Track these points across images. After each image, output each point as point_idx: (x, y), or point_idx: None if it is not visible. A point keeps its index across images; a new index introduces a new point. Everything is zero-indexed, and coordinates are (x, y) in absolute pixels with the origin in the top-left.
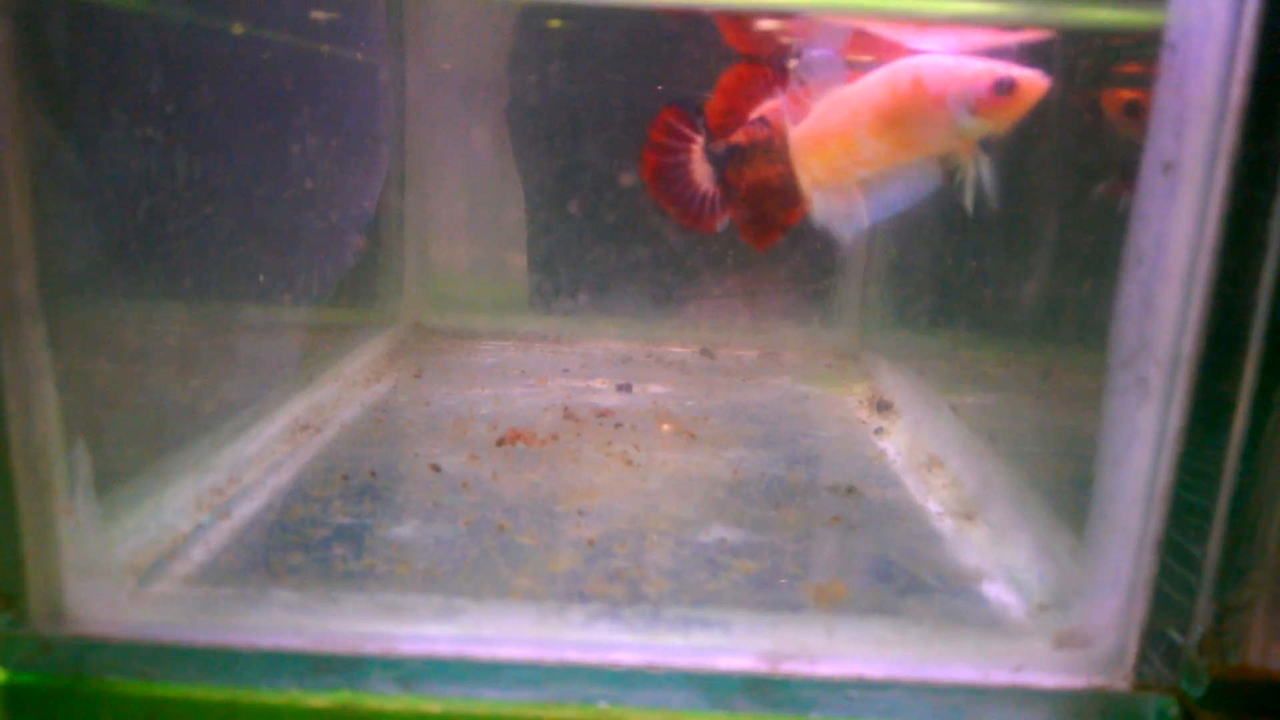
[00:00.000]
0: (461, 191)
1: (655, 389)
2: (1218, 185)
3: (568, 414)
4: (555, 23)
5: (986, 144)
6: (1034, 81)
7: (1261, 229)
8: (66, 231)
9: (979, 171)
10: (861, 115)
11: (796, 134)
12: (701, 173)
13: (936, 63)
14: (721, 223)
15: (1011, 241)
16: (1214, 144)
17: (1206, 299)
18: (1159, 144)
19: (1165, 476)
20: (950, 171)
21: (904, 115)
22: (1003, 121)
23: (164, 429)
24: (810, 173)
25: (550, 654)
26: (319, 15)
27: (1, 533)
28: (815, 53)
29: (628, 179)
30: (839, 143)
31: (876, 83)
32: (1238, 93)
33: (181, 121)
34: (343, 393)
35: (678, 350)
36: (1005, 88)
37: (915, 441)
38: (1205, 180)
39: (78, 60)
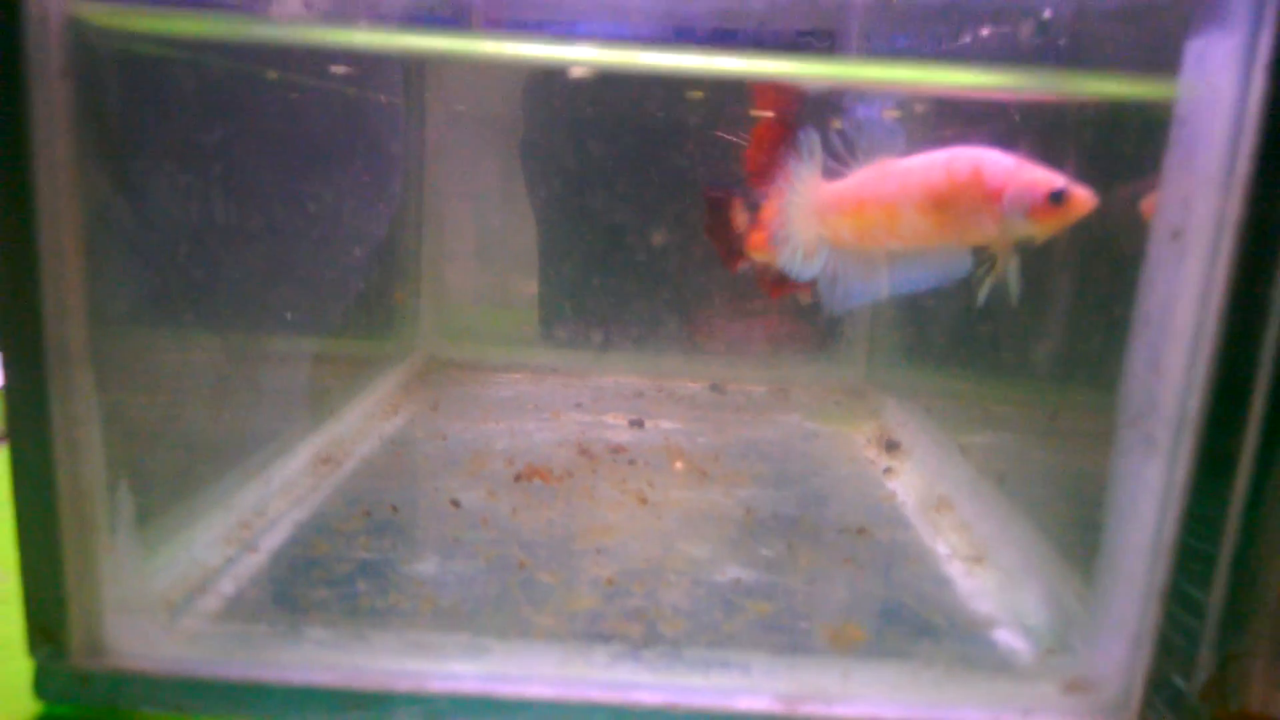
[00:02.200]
0: (476, 227)
1: (667, 425)
2: (1224, 252)
3: (582, 450)
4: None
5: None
6: (1084, 199)
7: (1265, 294)
8: (114, 280)
9: (1006, 271)
10: (911, 191)
11: (831, 191)
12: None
13: (997, 159)
14: (743, 265)
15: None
16: (1221, 213)
17: (1212, 361)
18: (1168, 212)
19: (1171, 529)
20: (980, 263)
21: (954, 201)
22: (1046, 230)
23: (195, 465)
24: (836, 233)
25: (574, 693)
26: (347, 63)
27: (45, 571)
28: (868, 114)
29: (638, 216)
30: (880, 211)
31: (934, 163)
32: (1244, 165)
33: (217, 167)
34: (362, 425)
35: (688, 385)
36: (1059, 199)
37: (924, 482)
38: (1212, 247)
39: (127, 115)
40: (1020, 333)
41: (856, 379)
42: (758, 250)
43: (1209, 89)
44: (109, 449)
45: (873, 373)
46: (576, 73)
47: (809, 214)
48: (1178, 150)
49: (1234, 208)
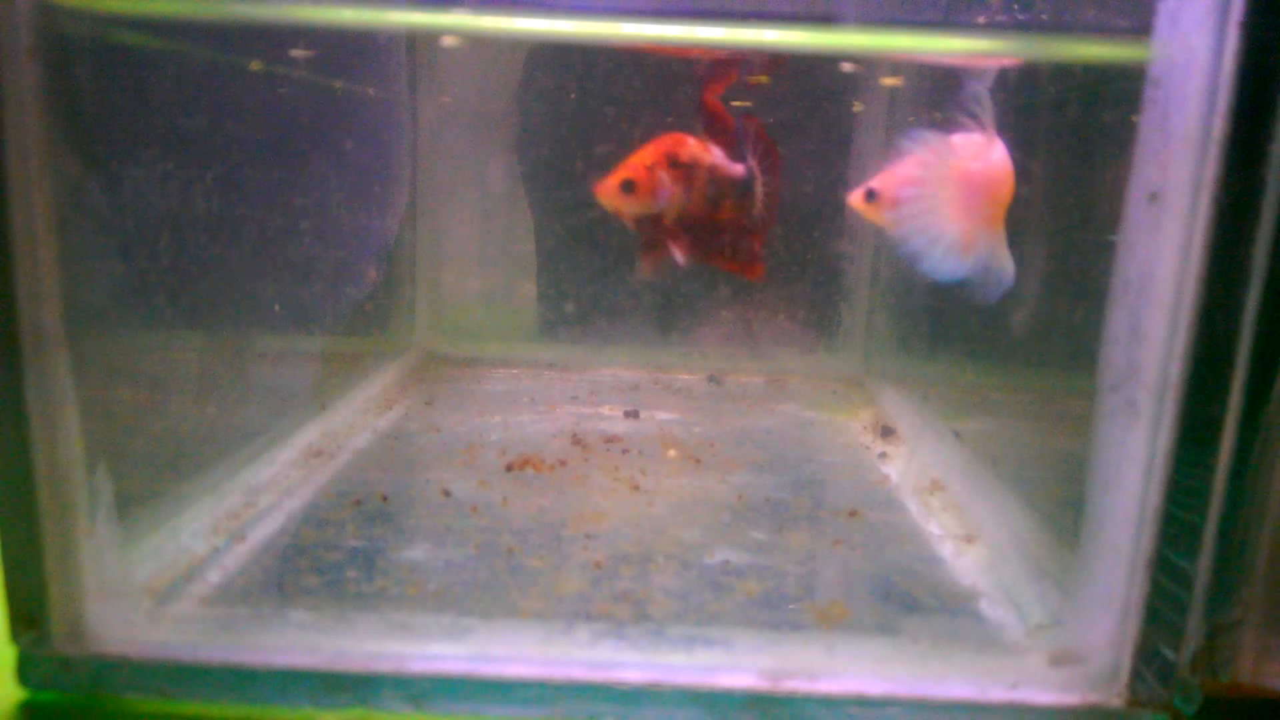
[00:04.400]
0: (472, 222)
1: (662, 415)
2: (1202, 214)
3: (576, 440)
4: (563, 57)
5: None
6: None
7: (1245, 256)
8: (90, 264)
9: None
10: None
11: (979, 169)
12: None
13: None
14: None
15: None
16: (1198, 175)
17: (1193, 325)
18: (1144, 175)
19: (1155, 497)
20: None
21: None
22: None
23: (181, 454)
24: (984, 219)
25: (557, 672)
26: (334, 53)
27: (25, 555)
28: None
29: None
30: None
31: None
32: (1220, 125)
33: (200, 156)
34: (355, 419)
35: (685, 377)
36: None
37: (918, 466)
38: (1190, 210)
39: (102, 99)
40: (1012, 317)
41: (855, 369)
42: (606, 196)
43: (1183, 49)
44: (87, 433)
45: (871, 363)
46: (573, 67)
47: (959, 204)
48: (1153, 112)
49: (1211, 169)
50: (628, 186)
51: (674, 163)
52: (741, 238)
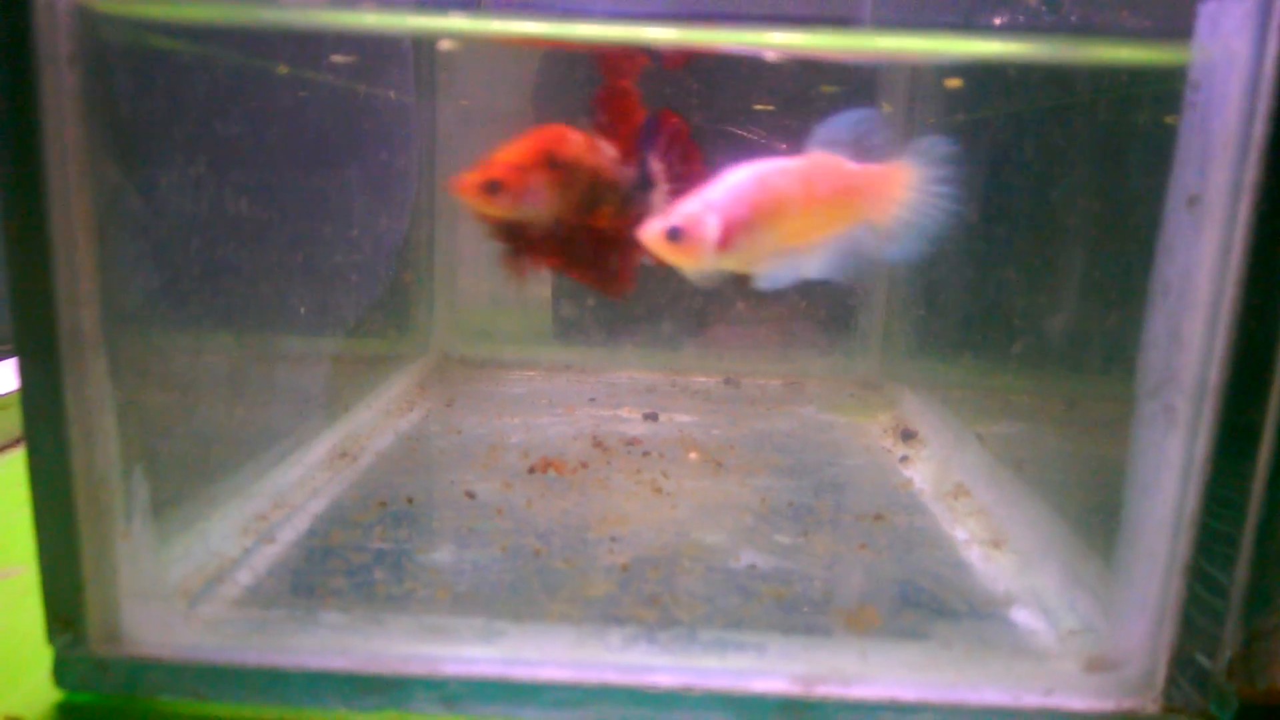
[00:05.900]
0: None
1: (681, 418)
2: (1242, 218)
3: (596, 442)
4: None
5: None
6: None
7: None
8: (127, 268)
9: None
10: None
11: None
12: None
13: None
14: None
15: (1035, 271)
16: (1238, 178)
17: (1232, 329)
18: (1184, 179)
19: (1192, 504)
20: None
21: None
22: None
23: (211, 457)
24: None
25: (590, 675)
26: (355, 58)
27: (62, 557)
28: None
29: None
30: None
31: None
32: (1260, 128)
33: (230, 160)
34: (377, 421)
35: (702, 379)
36: None
37: (941, 470)
38: (1229, 213)
39: (139, 104)
40: (1036, 319)
41: (872, 371)
42: (465, 194)
43: (1223, 52)
44: (124, 437)
45: (888, 365)
46: (587, 68)
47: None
48: (1192, 115)
49: (1251, 172)
50: (492, 188)
51: (553, 163)
52: (613, 249)
